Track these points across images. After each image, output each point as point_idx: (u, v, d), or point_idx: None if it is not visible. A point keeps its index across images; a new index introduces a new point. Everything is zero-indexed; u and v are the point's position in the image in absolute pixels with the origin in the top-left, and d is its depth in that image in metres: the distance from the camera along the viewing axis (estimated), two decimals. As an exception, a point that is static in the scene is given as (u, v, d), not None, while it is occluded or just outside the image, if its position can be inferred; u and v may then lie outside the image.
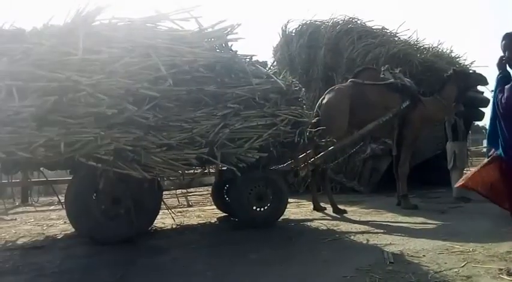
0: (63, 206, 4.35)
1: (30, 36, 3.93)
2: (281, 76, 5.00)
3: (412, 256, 3.36)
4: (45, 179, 5.11)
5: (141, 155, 3.84)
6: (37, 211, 6.54)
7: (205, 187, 8.93)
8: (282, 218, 5.07)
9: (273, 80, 4.68)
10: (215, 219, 5.57)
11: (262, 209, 4.85)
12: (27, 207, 6.95)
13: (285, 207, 5.03)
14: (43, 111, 3.58)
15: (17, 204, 7.07)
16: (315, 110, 6.10)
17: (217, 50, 4.51)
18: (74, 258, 3.59)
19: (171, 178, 4.77)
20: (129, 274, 3.09)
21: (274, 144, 4.61)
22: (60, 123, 3.62)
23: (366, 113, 5.89)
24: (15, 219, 5.80)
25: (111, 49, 3.93)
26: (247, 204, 4.77)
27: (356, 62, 8.34)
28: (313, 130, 5.13)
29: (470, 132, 9.82)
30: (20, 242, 4.36)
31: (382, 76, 6.20)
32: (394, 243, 3.82)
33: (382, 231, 4.45)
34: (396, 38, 8.92)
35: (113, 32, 4.06)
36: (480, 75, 6.61)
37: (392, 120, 6.01)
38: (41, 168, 4.56)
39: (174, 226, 5.09)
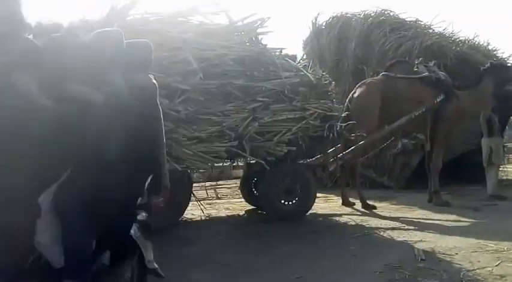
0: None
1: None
2: (311, 70, 4.97)
3: (443, 254, 3.29)
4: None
5: (172, 148, 3.91)
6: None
7: (234, 180, 9.03)
8: (310, 212, 5.06)
9: (302, 73, 4.66)
10: (243, 212, 5.62)
11: (290, 203, 4.86)
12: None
13: (313, 202, 5.02)
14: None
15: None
16: (345, 104, 6.02)
17: (247, 44, 4.53)
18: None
19: (200, 170, 4.84)
20: (159, 264, 3.17)
21: (303, 138, 4.60)
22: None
23: (398, 108, 5.77)
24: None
25: (143, 43, 4.01)
26: (275, 198, 4.79)
27: (388, 55, 8.15)
28: (343, 124, 5.08)
29: (507, 127, 9.45)
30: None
31: (415, 69, 6.05)
32: (425, 240, 3.75)
33: (412, 227, 4.37)
34: (430, 30, 8.65)
35: (145, 26, 4.14)
36: (519, 68, 6.35)
37: (425, 115, 5.87)
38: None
39: (203, 218, 5.18)
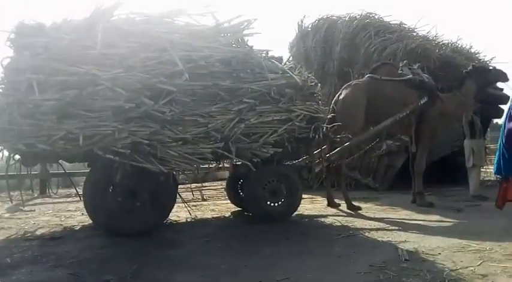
0: (81, 198, 4.43)
1: (51, 31, 4.00)
2: (297, 71, 4.98)
3: (427, 254, 3.33)
4: (63, 172, 5.20)
5: (158, 149, 3.88)
6: (55, 203, 6.68)
7: (220, 181, 9.00)
8: (295, 213, 5.08)
9: (288, 75, 4.67)
10: (229, 214, 5.60)
11: (276, 204, 4.85)
12: (46, 199, 7.11)
13: (299, 203, 5.03)
14: (63, 104, 3.65)
15: (35, 195, 7.24)
16: (330, 106, 6.06)
17: (234, 45, 4.52)
18: (91, 249, 3.66)
19: (186, 172, 4.81)
20: (144, 266, 3.15)
21: (289, 140, 4.61)
22: (79, 116, 3.69)
23: (383, 109, 5.83)
24: (34, 211, 5.93)
25: (129, 44, 3.98)
26: (261, 199, 4.78)
27: (373, 58, 8.24)
28: (329, 126, 5.11)
29: (489, 129, 9.63)
30: (38, 232, 4.47)
31: (400, 72, 6.12)
32: (409, 241, 3.79)
33: (396, 228, 4.42)
34: (414, 33, 8.77)
35: (130, 26, 4.10)
36: (500, 71, 6.45)
37: (409, 117, 5.94)
38: (60, 161, 4.65)
39: (188, 219, 5.14)
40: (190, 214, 5.32)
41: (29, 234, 4.36)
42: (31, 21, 4.06)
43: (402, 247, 3.53)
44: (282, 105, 4.56)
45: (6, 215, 5.52)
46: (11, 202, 5.70)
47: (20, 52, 3.96)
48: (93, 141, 3.70)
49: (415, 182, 6.09)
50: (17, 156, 4.00)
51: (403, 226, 4.51)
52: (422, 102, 5.90)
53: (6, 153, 3.94)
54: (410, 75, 6.02)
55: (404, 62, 6.42)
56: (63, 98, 3.65)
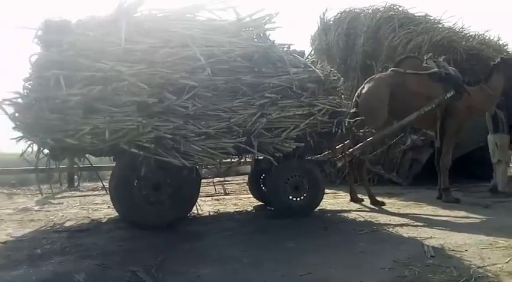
0: (107, 191, 4.54)
1: (76, 27, 4.09)
2: (319, 65, 4.94)
3: (453, 250, 3.27)
4: (90, 165, 5.32)
5: (181, 143, 3.93)
6: (83, 196, 6.86)
7: (242, 176, 9.05)
8: (318, 208, 5.06)
9: (310, 69, 4.63)
10: (251, 208, 5.63)
11: (298, 199, 4.85)
12: (73, 192, 7.31)
13: (322, 198, 5.01)
14: (89, 99, 3.74)
15: (63, 188, 7.44)
16: (353, 100, 5.99)
17: (255, 40, 4.52)
18: (117, 241, 3.74)
19: (208, 166, 4.85)
20: (169, 258, 3.20)
21: (311, 134, 4.58)
22: (104, 111, 3.76)
23: (407, 103, 5.72)
24: (62, 203, 6.11)
25: (151, 39, 4.03)
26: (284, 194, 4.78)
27: (397, 51, 8.09)
28: (352, 120, 5.05)
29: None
30: (66, 224, 4.60)
31: (424, 65, 5.99)
32: (434, 237, 3.73)
33: (421, 224, 4.34)
34: (440, 25, 8.56)
35: (152, 22, 4.15)
36: (530, 63, 6.23)
37: (434, 111, 5.81)
38: (86, 155, 4.77)
39: (211, 213, 5.19)
40: (212, 208, 5.37)
41: (57, 226, 4.49)
42: (57, 19, 4.16)
43: (428, 243, 3.47)
44: (304, 99, 4.53)
45: (36, 208, 5.70)
46: (41, 195, 5.88)
47: (47, 49, 4.05)
48: (119, 135, 3.78)
49: (440, 178, 5.96)
50: (46, 151, 4.10)
51: (429, 222, 4.43)
52: (448, 96, 5.76)
53: (35, 147, 4.05)
54: (436, 69, 5.88)
55: (430, 54, 6.27)
56: (89, 93, 3.73)
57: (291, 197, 4.82)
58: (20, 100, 3.96)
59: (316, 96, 4.62)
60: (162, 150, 3.89)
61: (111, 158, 4.84)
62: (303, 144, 4.53)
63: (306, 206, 4.86)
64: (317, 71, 4.63)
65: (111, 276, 2.76)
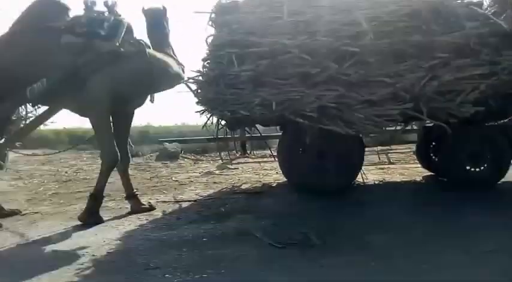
0: (275, 158, 4.87)
1: (243, 7, 4.39)
2: (502, 16, 4.22)
3: None
4: (259, 135, 5.78)
5: (344, 112, 3.92)
6: (254, 162, 7.53)
7: (408, 144, 8.53)
8: (502, 180, 4.46)
9: (491, 21, 4.01)
10: (420, 178, 5.31)
11: (477, 170, 4.36)
12: (246, 159, 8.07)
13: (507, 169, 4.39)
14: (257, 74, 4.02)
15: (238, 156, 8.29)
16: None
17: (421, -5, 4.11)
18: (287, 205, 4.04)
19: (372, 135, 4.74)
20: (337, 224, 3.31)
21: (493, 97, 4.01)
22: (271, 84, 4.01)
23: None
24: (238, 169, 6.82)
25: (313, 9, 4.06)
26: (459, 164, 4.36)
27: None
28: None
29: None
30: (243, 187, 5.15)
31: None
32: None
33: None
34: None
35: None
36: None
37: None
38: (256, 125, 5.19)
39: (376, 182, 5.10)
40: (376, 177, 5.27)
41: (236, 189, 5.07)
42: (227, 1, 4.53)
43: None
44: (484, 57, 3.96)
45: (217, 172, 6.52)
46: (221, 161, 6.69)
47: (219, 29, 4.48)
48: (284, 106, 3.98)
49: None
50: (223, 122, 4.62)
51: None
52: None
53: (215, 119, 4.60)
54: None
55: None
56: (257, 68, 4.01)
57: (468, 168, 4.37)
58: (200, 78, 4.51)
59: (500, 52, 3.98)
60: (326, 119, 3.96)
61: (278, 127, 5.15)
62: (483, 108, 4.00)
63: (487, 178, 4.35)
64: (500, 22, 3.97)
65: (284, 235, 3.00)
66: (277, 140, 5.04)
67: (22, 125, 4.81)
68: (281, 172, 4.81)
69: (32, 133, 5.06)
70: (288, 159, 4.52)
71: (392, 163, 6.87)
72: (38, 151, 6.84)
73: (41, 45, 3.64)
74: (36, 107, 4.63)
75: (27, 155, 6.55)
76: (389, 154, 7.41)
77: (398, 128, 4.81)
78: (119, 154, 3.73)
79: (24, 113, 4.82)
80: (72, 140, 10.89)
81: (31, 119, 4.75)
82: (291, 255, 2.66)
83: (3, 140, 4.64)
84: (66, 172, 6.95)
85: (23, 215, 4.03)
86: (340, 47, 3.94)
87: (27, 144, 5.84)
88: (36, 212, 4.11)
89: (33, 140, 7.71)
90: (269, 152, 6.55)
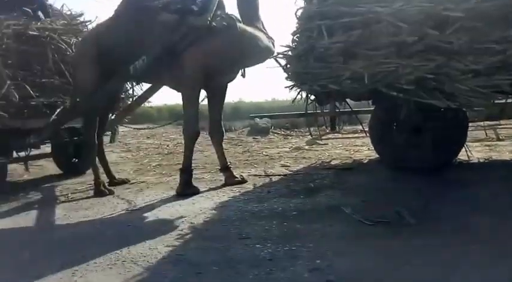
0: (367, 134, 4.70)
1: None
2: None
3: None
4: (350, 109, 5.62)
5: (444, 83, 3.62)
6: (344, 138, 7.38)
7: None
8: None
9: None
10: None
11: None
12: (336, 134, 7.93)
13: None
14: (348, 45, 3.87)
15: (327, 131, 8.18)
16: None
17: None
18: (380, 182, 3.91)
19: (477, 108, 4.31)
20: (433, 203, 3.12)
21: None
22: (363, 55, 3.83)
23: None
24: (327, 144, 6.75)
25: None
26: None
27: None
28: None
29: None
30: (332, 163, 5.09)
31: None
32: None
33: None
34: None
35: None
36: None
37: None
38: (347, 99, 5.04)
39: (481, 160, 4.67)
40: (481, 155, 4.82)
41: (325, 164, 5.03)
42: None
43: None
44: None
45: (306, 147, 6.52)
46: (310, 136, 6.68)
47: (309, 1, 4.37)
48: (377, 79, 3.79)
49: None
50: (313, 97, 4.56)
51: None
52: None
53: (304, 94, 4.56)
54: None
55: None
56: (348, 39, 3.86)
57: None
58: (290, 53, 4.48)
59: None
60: (423, 91, 3.69)
61: (370, 101, 4.95)
62: None
63: None
64: None
65: (375, 213, 2.92)
66: (369, 114, 4.85)
67: (129, 102, 5.32)
68: (373, 148, 4.65)
69: (137, 109, 5.56)
70: (381, 134, 4.33)
71: (501, 139, 6.21)
72: (143, 126, 7.46)
73: (141, 24, 3.93)
74: (139, 84, 5.08)
75: (135, 129, 7.24)
76: (497, 129, 6.70)
77: (510, 100, 4.32)
78: (199, 128, 3.95)
79: (131, 91, 5.32)
80: (172, 116, 11.70)
81: (136, 96, 5.21)
82: (382, 234, 2.59)
83: (113, 116, 5.18)
84: (167, 145, 7.51)
85: (131, 184, 4.48)
86: (441, 12, 3.60)
87: (134, 120, 6.44)
88: (142, 182, 4.54)
89: (138, 116, 8.42)
90: (360, 127, 6.36)
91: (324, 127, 7.37)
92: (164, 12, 3.84)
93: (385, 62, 3.73)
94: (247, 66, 4.28)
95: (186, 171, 3.94)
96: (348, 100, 5.03)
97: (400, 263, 2.14)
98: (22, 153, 4.75)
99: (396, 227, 2.67)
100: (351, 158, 5.34)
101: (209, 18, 3.75)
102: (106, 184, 4.26)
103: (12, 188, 4.47)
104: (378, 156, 4.65)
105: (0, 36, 4.16)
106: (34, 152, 4.94)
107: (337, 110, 5.56)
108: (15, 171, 5.28)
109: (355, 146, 6.41)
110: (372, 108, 4.78)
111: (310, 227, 2.77)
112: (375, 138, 4.45)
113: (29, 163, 5.23)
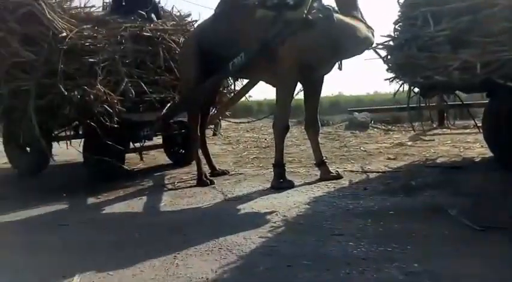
0: (480, 129, 4.26)
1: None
2: None
3: None
4: (460, 102, 5.15)
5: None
6: (453, 133, 6.78)
7: None
8: None
9: None
10: None
11: None
12: (444, 130, 7.33)
13: None
14: (457, 32, 3.54)
15: (434, 126, 7.59)
16: None
17: None
18: (494, 183, 3.52)
19: None
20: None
21: None
22: (474, 43, 3.47)
23: None
24: (433, 140, 6.26)
25: None
26: None
27: None
28: None
29: None
30: (438, 160, 4.72)
31: None
32: None
33: None
34: None
35: None
36: None
37: None
38: (456, 92, 4.62)
39: None
40: None
41: (429, 162, 4.69)
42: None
43: None
44: None
45: (409, 143, 6.14)
46: (413, 131, 6.27)
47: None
48: (492, 68, 3.41)
49: None
50: (416, 89, 4.27)
51: None
52: None
53: (406, 86, 4.29)
54: None
55: None
56: (457, 26, 3.53)
57: None
58: (391, 43, 4.25)
59: None
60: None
61: (483, 94, 4.47)
62: None
63: None
64: None
65: (486, 217, 2.64)
66: (483, 108, 4.38)
67: (230, 97, 5.56)
68: (486, 146, 4.19)
69: (238, 104, 5.79)
70: (496, 130, 3.89)
71: None
72: (243, 120, 7.74)
73: (239, 21, 4.06)
74: (239, 79, 5.28)
75: (235, 123, 7.56)
76: None
77: None
78: (289, 122, 3.98)
79: (232, 86, 5.56)
80: (271, 110, 11.92)
81: (236, 91, 5.43)
82: (493, 242, 2.33)
83: (215, 110, 5.47)
84: (265, 139, 7.69)
85: (230, 175, 4.69)
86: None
87: (235, 114, 6.72)
88: (240, 173, 4.73)
89: (239, 110, 8.76)
90: (472, 122, 5.79)
91: (430, 122, 6.85)
92: (261, 9, 3.92)
93: (500, 49, 3.33)
94: (345, 58, 4.16)
95: (278, 165, 4.00)
96: (458, 92, 4.63)
97: (512, 275, 1.92)
98: (137, 144, 5.26)
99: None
100: (460, 155, 4.89)
101: (305, 11, 3.72)
102: (208, 174, 4.52)
103: (128, 175, 4.98)
104: (492, 154, 4.18)
105: (119, 39, 4.63)
106: (148, 143, 5.45)
107: (445, 103, 5.13)
108: (132, 160, 5.87)
109: (466, 142, 5.84)
110: (486, 101, 4.32)
111: (408, 227, 2.61)
112: (489, 135, 4.01)
113: (143, 153, 5.78)
